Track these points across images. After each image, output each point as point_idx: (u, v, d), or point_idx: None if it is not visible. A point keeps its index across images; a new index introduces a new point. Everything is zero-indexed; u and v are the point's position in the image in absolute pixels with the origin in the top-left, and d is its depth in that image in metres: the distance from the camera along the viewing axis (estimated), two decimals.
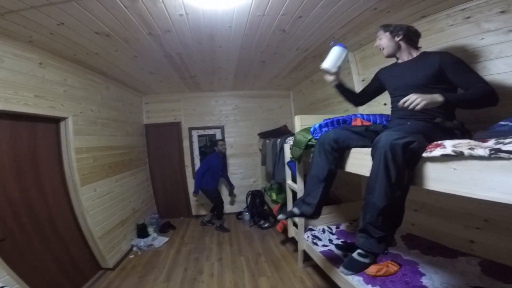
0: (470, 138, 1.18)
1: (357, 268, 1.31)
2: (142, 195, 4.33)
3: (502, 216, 1.68)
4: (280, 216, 1.79)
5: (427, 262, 1.88)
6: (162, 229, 4.25)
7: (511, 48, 1.61)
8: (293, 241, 3.27)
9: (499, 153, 0.79)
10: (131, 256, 3.42)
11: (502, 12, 1.62)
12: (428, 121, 1.34)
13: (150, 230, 3.97)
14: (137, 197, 4.09)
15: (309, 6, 1.85)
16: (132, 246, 3.62)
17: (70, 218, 2.72)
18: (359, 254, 1.29)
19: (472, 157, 0.87)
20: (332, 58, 1.71)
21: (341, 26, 2.23)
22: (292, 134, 3.10)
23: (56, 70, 2.48)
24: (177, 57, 2.83)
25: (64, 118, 2.60)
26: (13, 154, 2.16)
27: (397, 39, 1.56)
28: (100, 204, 3.03)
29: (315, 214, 1.63)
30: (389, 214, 1.18)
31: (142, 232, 3.85)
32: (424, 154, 1.06)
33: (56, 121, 2.59)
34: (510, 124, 1.05)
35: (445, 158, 0.97)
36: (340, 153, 1.57)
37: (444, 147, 0.97)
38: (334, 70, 1.73)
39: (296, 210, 1.67)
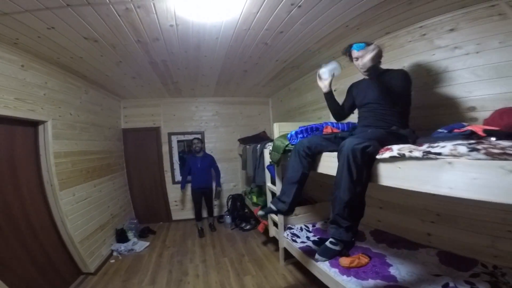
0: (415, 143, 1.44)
1: (329, 255, 1.53)
2: (120, 200, 4.25)
3: (450, 210, 1.96)
4: (260, 213, 2.00)
5: (393, 254, 2.11)
6: (142, 234, 4.19)
7: (456, 64, 1.88)
8: (274, 242, 3.42)
9: (429, 155, 1.03)
10: (112, 261, 3.38)
11: (452, 30, 1.90)
12: (386, 129, 1.60)
13: (130, 235, 3.91)
14: (115, 202, 4.01)
15: (290, 22, 2.05)
16: (112, 251, 3.57)
17: (48, 223, 2.66)
18: (330, 242, 1.51)
19: (411, 158, 1.11)
20: (328, 68, 1.89)
21: (317, 40, 2.46)
22: (271, 140, 3.29)
23: (37, 72, 2.44)
24: (162, 64, 2.90)
25: (43, 122, 2.54)
26: None
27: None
28: (79, 209, 2.98)
29: (289, 211, 1.86)
30: (353, 206, 1.41)
31: (121, 237, 3.80)
32: (378, 156, 1.29)
33: (34, 124, 2.53)
34: (445, 131, 1.32)
35: (392, 159, 1.21)
36: (312, 158, 1.79)
37: (392, 150, 1.21)
38: (327, 75, 1.90)
39: (273, 207, 1.88)
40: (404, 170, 1.16)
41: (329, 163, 1.67)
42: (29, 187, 2.47)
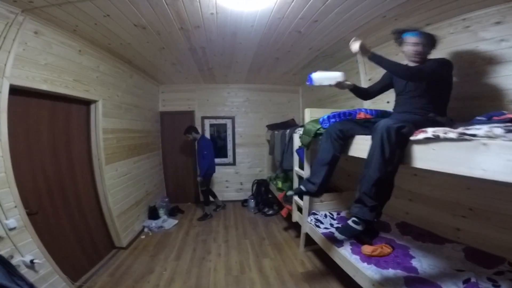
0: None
1: (349, 233, 1.55)
2: (155, 179, 4.60)
3: (484, 205, 1.90)
4: (289, 193, 2.07)
5: (418, 247, 2.10)
6: (172, 213, 4.46)
7: (502, 56, 1.80)
8: (295, 228, 3.53)
9: (464, 136, 1.04)
10: (143, 237, 3.63)
11: (498, 23, 1.81)
12: (422, 116, 1.58)
13: (161, 212, 4.20)
14: (150, 180, 4.34)
15: (326, 11, 2.06)
16: (144, 227, 3.84)
17: (92, 195, 2.91)
18: (353, 221, 1.53)
19: (445, 139, 1.11)
20: (324, 78, 1.97)
21: (353, 30, 2.43)
22: (301, 126, 3.34)
23: (91, 57, 2.71)
24: (200, 51, 3.05)
25: (95, 101, 2.84)
26: (50, 132, 2.38)
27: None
28: (120, 184, 3.26)
29: (318, 193, 1.88)
30: (381, 186, 1.43)
31: (153, 214, 4.08)
32: (412, 138, 1.31)
33: (87, 103, 2.83)
34: (484, 119, 1.29)
35: (426, 140, 1.22)
36: (344, 140, 1.81)
37: (426, 132, 1.22)
38: (332, 82, 1.95)
39: (302, 188, 1.93)
40: (437, 152, 1.16)
41: (361, 146, 1.69)
42: (80, 160, 2.76)
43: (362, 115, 2.12)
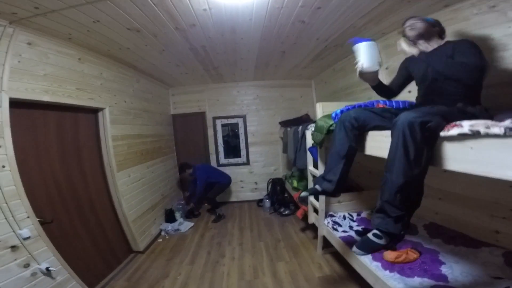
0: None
1: (370, 249, 1.36)
2: (170, 182, 4.62)
3: None
4: (303, 194, 1.85)
5: (449, 251, 1.85)
6: (188, 215, 4.46)
7: None
8: (313, 229, 3.36)
9: None
10: (160, 240, 3.64)
11: None
12: (450, 106, 1.33)
13: (177, 215, 4.20)
14: (165, 183, 4.36)
15: None
16: (161, 230, 3.85)
17: (107, 202, 2.93)
18: (374, 234, 1.32)
19: (488, 136, 0.88)
20: (368, 55, 1.49)
21: (362, 15, 2.22)
22: (313, 121, 3.13)
23: (93, 64, 2.70)
24: (201, 50, 2.96)
25: (101, 109, 2.84)
26: (59, 142, 2.40)
27: (435, 29, 1.53)
28: (134, 189, 3.28)
29: (336, 191, 1.64)
30: (407, 193, 1.19)
31: (169, 217, 4.09)
32: (442, 133, 1.07)
33: (94, 111, 2.84)
34: None
35: (462, 137, 0.98)
36: (360, 131, 1.58)
37: (462, 127, 0.98)
38: (377, 67, 1.54)
39: (318, 187, 1.69)
40: (477, 151, 0.94)
41: (379, 143, 1.46)
42: (91, 168, 2.78)
43: (380, 107, 1.89)
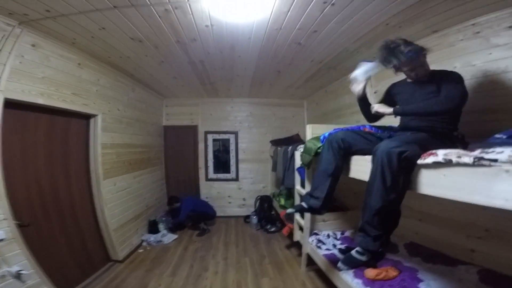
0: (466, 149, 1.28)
1: (352, 264, 1.45)
2: (156, 193, 4.54)
3: (503, 226, 1.72)
4: (289, 210, 1.93)
5: (427, 269, 1.92)
6: (172, 227, 4.35)
7: None
8: (298, 246, 3.34)
9: (481, 161, 0.90)
10: (141, 250, 3.56)
11: (510, 27, 1.68)
12: (429, 132, 1.44)
13: (161, 227, 4.11)
14: (151, 194, 4.29)
15: (324, 21, 2.00)
16: (142, 241, 3.76)
17: (89, 209, 2.88)
18: (356, 251, 1.42)
19: (459, 164, 0.99)
20: (362, 69, 1.75)
21: (355, 40, 2.36)
22: (303, 142, 3.23)
23: (91, 70, 2.73)
24: (200, 64, 3.05)
25: (94, 115, 2.83)
26: (47, 145, 2.38)
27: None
28: (118, 198, 3.22)
29: (322, 208, 1.71)
30: (384, 215, 1.30)
31: (153, 228, 4.01)
32: (419, 161, 1.17)
33: (87, 117, 2.82)
34: (504, 137, 1.13)
35: (436, 165, 1.09)
36: (346, 151, 1.68)
37: (436, 155, 1.09)
38: (361, 78, 1.75)
39: (304, 204, 1.77)
40: (450, 178, 1.04)
41: (362, 167, 1.57)
42: (77, 174, 2.74)
43: (366, 131, 2.00)
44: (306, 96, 5.11)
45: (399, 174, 1.20)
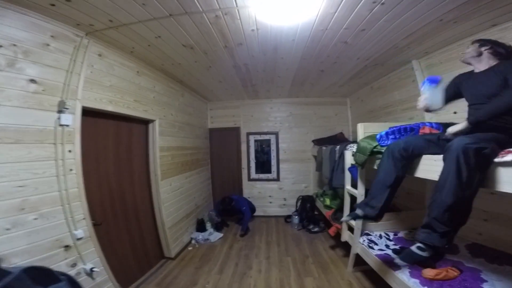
0: None
1: (412, 260, 1.41)
2: (204, 193, 4.78)
3: None
4: (344, 218, 1.99)
5: (492, 270, 1.80)
6: (218, 226, 4.53)
7: None
8: (343, 247, 3.30)
9: None
10: (190, 248, 3.74)
11: None
12: (502, 131, 1.34)
13: (208, 225, 4.32)
14: (200, 193, 4.53)
15: (373, 19, 1.96)
16: (191, 239, 3.96)
17: (148, 208, 3.09)
18: (418, 247, 1.37)
19: None
20: (429, 92, 1.65)
21: (405, 36, 2.28)
22: (352, 141, 3.17)
23: (148, 78, 2.96)
24: (244, 67, 3.16)
25: (152, 120, 3.08)
26: (115, 150, 2.60)
27: (482, 49, 1.55)
28: (173, 198, 3.45)
29: (378, 217, 1.74)
30: (455, 211, 1.25)
31: (200, 226, 4.20)
32: (496, 159, 1.13)
33: (146, 122, 3.08)
34: None
35: None
36: (409, 160, 1.64)
37: None
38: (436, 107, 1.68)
39: (359, 212, 1.80)
40: None
41: (429, 167, 1.55)
42: (139, 176, 2.98)
43: (426, 130, 1.90)
44: (349, 94, 4.97)
45: (476, 170, 1.16)
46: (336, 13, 1.87)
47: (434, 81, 1.64)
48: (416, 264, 1.42)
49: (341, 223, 2.99)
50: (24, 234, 1.57)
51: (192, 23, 2.00)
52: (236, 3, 1.73)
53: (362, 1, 1.70)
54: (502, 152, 1.13)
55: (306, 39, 2.35)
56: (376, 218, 1.75)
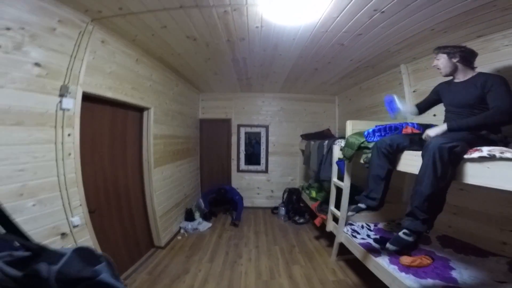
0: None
1: (401, 245, 1.59)
2: (193, 182, 4.83)
3: None
4: (350, 213, 2.22)
5: (459, 259, 2.06)
6: (206, 216, 4.57)
7: None
8: (327, 237, 3.51)
9: None
10: (179, 237, 3.78)
11: None
12: (474, 134, 1.55)
13: (196, 215, 4.37)
14: (189, 183, 4.57)
15: (371, 26, 2.10)
16: (180, 228, 4.00)
17: (140, 196, 3.08)
18: (404, 233, 1.57)
19: (501, 159, 1.17)
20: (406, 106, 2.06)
21: (397, 42, 2.43)
22: (338, 137, 3.35)
23: (146, 66, 2.94)
24: (242, 61, 3.22)
25: (148, 108, 3.08)
26: (111, 135, 2.59)
27: (454, 60, 1.73)
28: (164, 186, 3.47)
29: (380, 206, 1.98)
30: (433, 201, 1.46)
31: (189, 216, 4.25)
32: (465, 156, 1.34)
33: (140, 110, 3.06)
34: None
35: (481, 159, 1.26)
36: (394, 155, 1.86)
37: (481, 151, 1.26)
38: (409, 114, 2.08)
39: (362, 205, 2.04)
40: (493, 170, 1.21)
41: (410, 161, 1.75)
42: (132, 163, 2.97)
43: (409, 130, 2.14)
44: (338, 92, 5.15)
45: (449, 165, 1.37)
46: (338, 18, 1.98)
47: (391, 99, 2.05)
48: (404, 248, 1.61)
49: (326, 213, 3.18)
50: (22, 222, 1.50)
51: (200, 16, 2.02)
52: (246, 1, 1.79)
53: (364, 9, 1.82)
54: (471, 150, 1.33)
55: (306, 39, 2.44)
56: (378, 207, 1.98)
